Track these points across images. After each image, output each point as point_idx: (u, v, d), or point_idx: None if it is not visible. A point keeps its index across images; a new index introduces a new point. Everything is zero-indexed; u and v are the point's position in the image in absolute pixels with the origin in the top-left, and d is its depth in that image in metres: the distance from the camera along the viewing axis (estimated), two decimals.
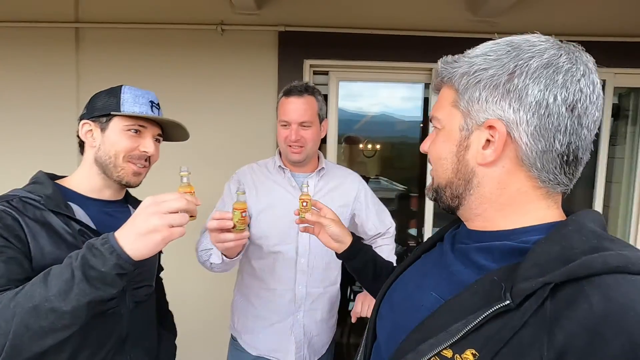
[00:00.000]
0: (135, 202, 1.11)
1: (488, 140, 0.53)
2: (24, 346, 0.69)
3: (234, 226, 0.94)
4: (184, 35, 2.03)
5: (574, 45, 0.52)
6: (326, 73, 2.10)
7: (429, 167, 0.65)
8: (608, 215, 2.32)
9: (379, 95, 3.60)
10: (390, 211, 1.53)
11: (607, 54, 2.00)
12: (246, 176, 1.38)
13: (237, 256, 1.14)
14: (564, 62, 0.50)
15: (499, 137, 0.52)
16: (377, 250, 1.05)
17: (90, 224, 0.94)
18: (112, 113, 0.92)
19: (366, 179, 3.10)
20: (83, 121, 0.96)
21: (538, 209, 0.54)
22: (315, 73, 2.10)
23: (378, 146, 3.71)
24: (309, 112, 1.29)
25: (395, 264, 1.01)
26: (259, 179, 1.37)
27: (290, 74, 2.01)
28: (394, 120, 3.50)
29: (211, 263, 1.17)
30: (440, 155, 0.59)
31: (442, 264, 0.63)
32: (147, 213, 0.71)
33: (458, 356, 0.47)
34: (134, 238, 0.70)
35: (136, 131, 0.95)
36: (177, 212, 0.72)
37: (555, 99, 0.49)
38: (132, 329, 0.98)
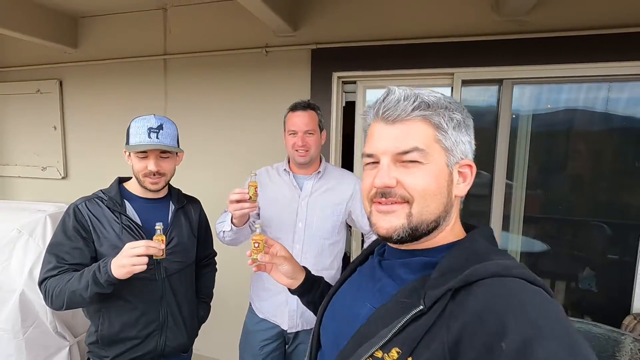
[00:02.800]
0: (179, 199, 1.43)
1: (459, 173, 0.62)
2: (72, 306, 1.21)
3: (250, 198, 1.25)
4: (237, 58, 2.37)
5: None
6: (354, 82, 2.22)
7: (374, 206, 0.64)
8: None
9: None
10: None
11: None
12: (262, 175, 1.64)
13: (242, 225, 1.39)
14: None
15: (473, 172, 0.63)
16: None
17: (136, 217, 1.30)
18: (126, 146, 1.27)
19: None
20: (124, 150, 1.30)
21: (457, 228, 0.65)
22: (343, 83, 2.24)
23: None
24: (312, 123, 1.52)
25: None
26: (270, 178, 1.62)
27: (321, 85, 2.19)
28: None
29: (223, 231, 1.43)
30: (435, 190, 0.59)
31: (373, 277, 0.69)
32: (122, 254, 1.11)
33: (386, 355, 0.54)
34: (114, 267, 1.12)
35: (143, 156, 1.25)
36: (139, 256, 1.09)
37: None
38: (165, 291, 1.33)
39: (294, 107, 1.54)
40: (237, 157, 2.45)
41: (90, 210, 1.26)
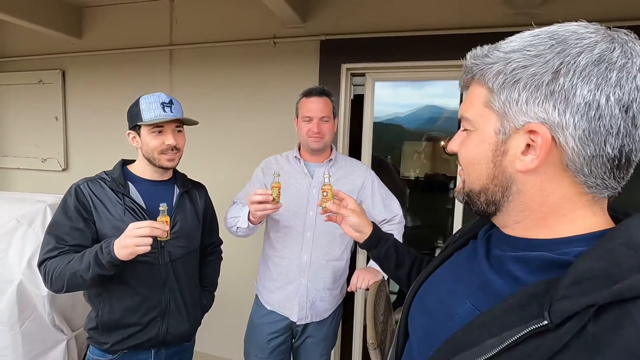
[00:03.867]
0: (184, 183, 1.37)
1: (528, 145, 0.46)
2: (72, 289, 1.15)
3: (273, 199, 1.22)
4: (245, 49, 2.32)
5: (625, 34, 0.44)
6: (363, 75, 2.17)
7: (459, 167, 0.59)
8: None
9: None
10: None
11: None
12: (271, 164, 1.59)
13: (259, 224, 1.37)
14: (617, 56, 0.42)
15: (542, 143, 0.45)
16: None
17: (139, 199, 1.24)
18: (138, 124, 1.20)
19: (449, 178, 3.07)
20: (127, 131, 1.25)
21: (584, 217, 0.47)
22: (352, 75, 2.19)
23: None
24: (327, 109, 1.47)
25: (415, 252, 0.98)
26: (280, 166, 1.57)
27: (330, 76, 2.14)
28: None
29: (238, 227, 1.40)
30: (474, 159, 0.52)
31: (475, 269, 0.57)
32: (125, 235, 1.06)
33: None
34: (118, 248, 1.06)
35: (159, 131, 1.21)
36: (143, 237, 1.04)
37: (608, 99, 0.42)
38: (168, 276, 1.27)
39: (309, 93, 1.49)
40: (242, 149, 2.39)
41: (92, 191, 1.21)
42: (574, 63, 0.42)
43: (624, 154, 0.44)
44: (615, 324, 0.37)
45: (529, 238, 0.50)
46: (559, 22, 0.47)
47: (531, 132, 0.45)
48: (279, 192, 1.23)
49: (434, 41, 1.98)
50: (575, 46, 0.43)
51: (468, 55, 0.53)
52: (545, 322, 0.40)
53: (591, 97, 0.42)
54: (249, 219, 1.33)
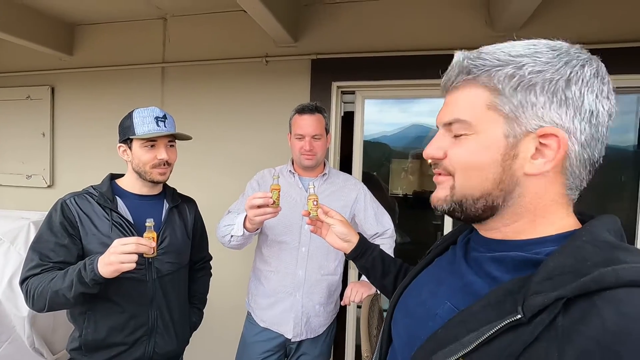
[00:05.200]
0: (174, 198, 1.35)
1: (536, 149, 0.48)
2: (54, 308, 1.10)
3: (274, 202, 1.16)
4: (237, 67, 2.34)
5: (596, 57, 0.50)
6: (353, 92, 2.21)
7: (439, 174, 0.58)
8: None
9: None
10: None
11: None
12: (266, 176, 1.57)
13: (254, 232, 1.32)
14: (605, 72, 0.48)
15: (561, 146, 0.47)
16: None
17: (128, 214, 1.21)
18: (130, 137, 1.19)
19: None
20: (118, 145, 1.24)
21: (561, 218, 0.51)
22: (343, 92, 2.22)
23: None
24: (319, 127, 1.47)
25: (400, 260, 0.99)
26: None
27: (321, 94, 2.17)
28: None
29: (232, 236, 1.34)
30: (476, 164, 0.51)
31: (455, 272, 0.59)
32: (109, 251, 1.02)
33: None
34: (102, 265, 1.02)
35: (151, 145, 1.19)
36: (128, 253, 1.00)
37: (603, 108, 0.47)
38: (156, 293, 1.23)
39: (301, 110, 1.49)
40: (234, 165, 2.38)
41: (78, 206, 1.17)
42: (582, 73, 0.46)
43: (600, 158, 0.50)
44: (582, 315, 0.39)
45: (506, 240, 0.53)
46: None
47: (544, 135, 0.47)
48: (279, 194, 1.16)
49: (421, 61, 2.04)
50: (578, 58, 0.47)
51: (460, 56, 0.52)
52: (519, 316, 0.42)
53: (594, 106, 0.47)
54: (244, 227, 1.29)
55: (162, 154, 1.20)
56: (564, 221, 0.51)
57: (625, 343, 0.36)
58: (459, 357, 0.45)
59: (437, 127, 0.58)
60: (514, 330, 0.43)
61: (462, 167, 0.52)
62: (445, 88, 0.56)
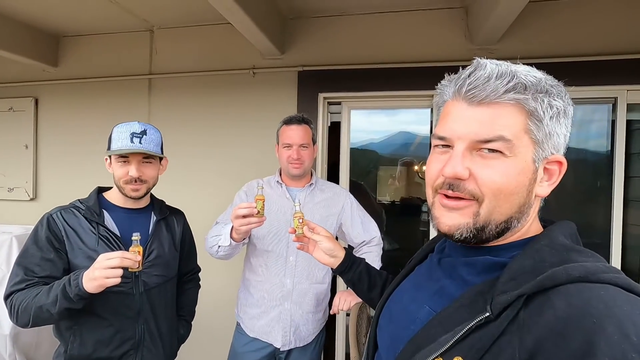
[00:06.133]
0: (162, 210, 1.34)
1: (545, 169, 0.53)
2: (38, 323, 1.08)
3: (258, 212, 1.18)
4: (225, 78, 2.37)
5: None
6: (339, 103, 2.25)
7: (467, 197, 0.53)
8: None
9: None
10: None
11: (615, 71, 1.86)
12: (253, 187, 1.59)
13: (240, 242, 1.33)
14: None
15: (561, 171, 0.53)
16: (362, 256, 1.13)
17: (115, 228, 1.21)
18: (108, 152, 1.20)
19: (423, 201, 3.14)
20: (105, 157, 1.24)
21: (532, 224, 0.55)
22: (329, 103, 2.27)
23: None
24: (307, 136, 1.51)
25: (385, 272, 1.01)
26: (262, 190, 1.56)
27: (307, 105, 2.20)
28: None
29: (219, 246, 1.35)
30: (511, 189, 0.50)
31: (432, 277, 0.63)
32: (94, 266, 1.01)
33: None
34: (86, 280, 1.01)
35: (124, 161, 1.19)
36: (113, 268, 1.00)
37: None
38: (143, 306, 1.22)
39: (289, 121, 1.53)
40: (222, 177, 2.38)
41: (65, 220, 1.17)
42: (570, 104, 0.52)
43: None
44: (539, 308, 0.44)
45: (477, 247, 0.56)
46: (517, 58, 0.55)
47: (557, 162, 0.52)
48: (263, 205, 1.19)
49: (404, 73, 2.10)
50: (559, 87, 0.52)
51: (511, 70, 0.50)
52: (488, 314, 0.47)
53: (568, 131, 0.53)
54: (231, 237, 1.30)
55: (132, 170, 1.18)
56: (534, 226, 0.56)
57: (570, 327, 0.41)
58: (437, 356, 0.48)
59: (443, 137, 0.54)
60: (485, 326, 0.47)
61: (494, 191, 0.50)
62: (478, 98, 0.51)
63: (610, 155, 1.99)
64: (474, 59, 0.55)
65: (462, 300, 0.52)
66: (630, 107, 1.92)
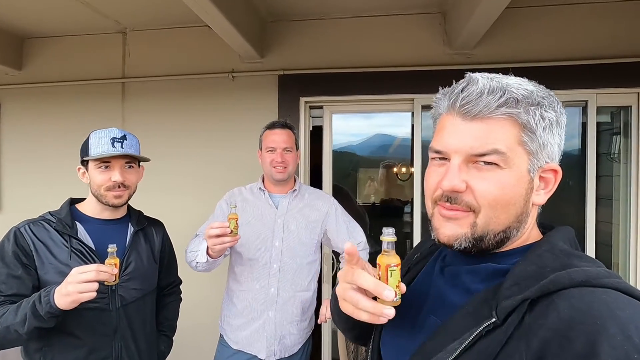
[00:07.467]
0: (140, 220, 1.28)
1: (540, 178, 0.54)
2: (6, 345, 1.03)
3: (231, 231, 1.17)
4: (203, 82, 2.30)
5: None
6: (320, 107, 2.24)
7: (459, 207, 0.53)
8: (612, 231, 2.16)
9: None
10: None
11: (585, 76, 1.94)
12: (235, 195, 1.55)
13: (219, 257, 1.31)
14: None
15: (557, 179, 0.55)
16: None
17: (89, 240, 1.14)
18: (84, 159, 1.14)
19: (404, 202, 3.15)
20: (78, 167, 1.18)
21: (531, 231, 0.56)
22: (311, 107, 2.24)
23: (413, 169, 3.65)
24: (290, 140, 1.50)
25: None
26: (244, 198, 1.53)
27: (289, 109, 2.18)
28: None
29: (197, 262, 1.33)
30: (507, 200, 0.51)
31: (435, 285, 0.62)
32: (67, 281, 0.95)
33: None
34: (58, 296, 0.95)
35: (105, 167, 1.13)
36: (87, 282, 0.94)
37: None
38: (120, 323, 1.15)
39: (272, 126, 1.52)
40: (201, 184, 2.31)
41: (34, 234, 1.09)
42: (563, 113, 0.54)
43: None
44: (544, 311, 0.45)
45: (482, 255, 0.56)
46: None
47: (552, 170, 0.54)
48: (237, 224, 1.20)
49: (384, 77, 2.11)
50: (552, 97, 0.54)
51: (474, 89, 0.51)
52: (494, 319, 0.47)
53: (562, 140, 0.55)
54: (208, 254, 1.27)
55: (116, 175, 1.13)
56: (534, 233, 0.57)
57: (574, 329, 0.42)
58: None
59: (439, 151, 0.55)
60: (492, 332, 0.47)
61: (491, 202, 0.51)
62: (471, 114, 0.51)
63: (582, 156, 2.06)
64: (466, 74, 0.55)
65: (467, 307, 0.52)
66: (600, 110, 2.00)
